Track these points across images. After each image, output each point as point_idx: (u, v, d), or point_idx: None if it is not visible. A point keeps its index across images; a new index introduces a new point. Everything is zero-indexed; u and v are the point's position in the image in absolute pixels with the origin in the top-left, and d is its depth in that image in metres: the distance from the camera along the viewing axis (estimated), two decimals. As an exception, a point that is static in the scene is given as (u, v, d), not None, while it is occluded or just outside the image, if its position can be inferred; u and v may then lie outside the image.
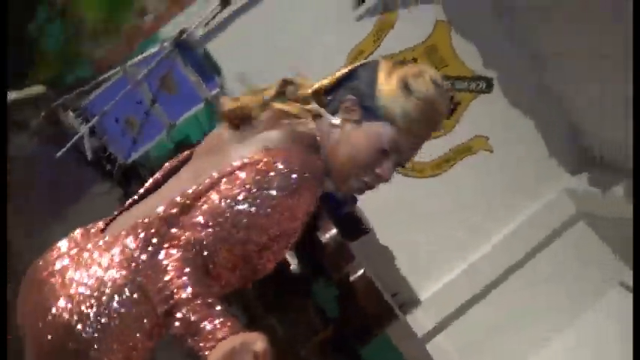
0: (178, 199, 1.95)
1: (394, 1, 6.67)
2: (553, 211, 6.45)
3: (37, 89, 5.58)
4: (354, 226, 6.08)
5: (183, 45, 5.42)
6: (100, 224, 2.16)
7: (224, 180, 1.92)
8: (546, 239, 6.39)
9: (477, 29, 6.56)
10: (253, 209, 1.88)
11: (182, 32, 5.41)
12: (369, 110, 2.12)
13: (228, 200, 1.87)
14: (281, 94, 2.16)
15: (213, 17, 5.49)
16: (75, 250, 2.06)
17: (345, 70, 2.19)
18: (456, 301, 6.33)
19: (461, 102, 6.71)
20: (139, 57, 5.63)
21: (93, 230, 2.15)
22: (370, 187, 2.20)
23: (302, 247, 5.54)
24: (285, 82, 2.19)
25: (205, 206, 1.86)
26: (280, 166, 1.90)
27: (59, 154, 5.23)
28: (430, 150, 6.67)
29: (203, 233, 1.84)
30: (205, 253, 1.82)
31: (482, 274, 6.35)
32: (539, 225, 6.44)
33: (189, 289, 1.70)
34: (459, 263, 6.48)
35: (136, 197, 2.22)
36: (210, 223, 1.84)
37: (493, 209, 6.56)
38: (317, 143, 2.06)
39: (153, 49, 5.55)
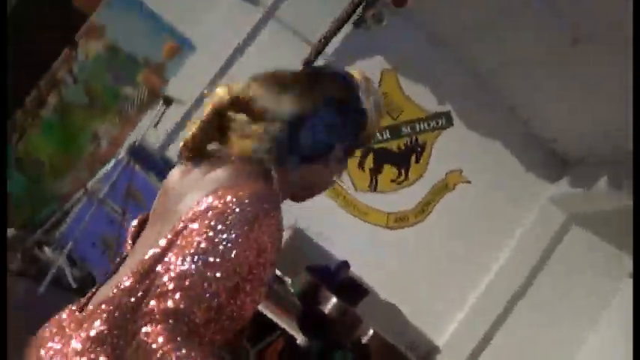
0: (138, 268, 1.88)
1: (335, 64, 6.71)
2: (544, 223, 6.42)
3: (9, 232, 5.56)
4: (354, 290, 5.99)
5: (138, 153, 5.43)
6: (82, 300, 2.08)
7: (180, 237, 1.84)
8: (545, 252, 6.33)
9: (421, 68, 6.61)
10: (218, 259, 1.78)
11: (135, 142, 5.42)
12: (350, 150, 2.10)
13: (189, 257, 1.77)
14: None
15: (160, 117, 5.50)
16: (56, 330, 1.99)
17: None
18: (475, 337, 6.22)
19: (426, 143, 6.73)
20: (98, 175, 5.62)
21: (74, 307, 2.07)
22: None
23: (309, 324, 5.47)
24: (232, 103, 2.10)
25: (171, 272, 1.78)
26: (232, 205, 1.82)
27: (41, 289, 5.16)
28: (409, 198, 6.68)
29: (176, 299, 1.75)
30: (185, 318, 1.74)
31: (493, 303, 6.27)
32: (534, 241, 6.40)
33: None
34: (466, 301, 6.40)
35: (113, 268, 2.15)
36: (180, 287, 1.75)
37: (485, 239, 6.52)
38: (265, 169, 1.98)
39: (109, 165, 5.56)
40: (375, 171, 6.79)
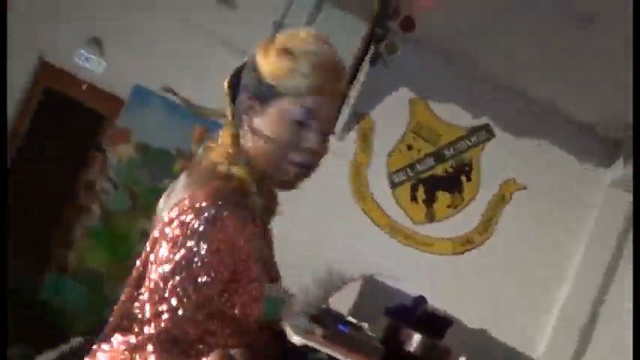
0: (126, 290, 1.86)
1: (363, 105, 6.69)
2: (612, 209, 6.24)
3: (75, 341, 5.56)
4: (436, 323, 5.85)
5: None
6: None
7: (151, 257, 1.81)
8: (621, 236, 6.14)
9: (446, 88, 6.56)
10: (188, 272, 1.74)
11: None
12: (265, 96, 1.99)
13: (161, 279, 1.74)
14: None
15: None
16: None
17: (226, 81, 2.07)
18: (571, 340, 6.04)
19: (471, 160, 6.62)
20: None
21: None
22: (307, 165, 2.00)
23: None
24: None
25: (149, 297, 1.75)
26: (190, 215, 1.77)
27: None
28: (469, 218, 6.57)
29: (163, 320, 1.71)
30: (172, 339, 1.71)
31: (581, 301, 6.09)
32: (607, 229, 6.24)
33: None
34: (551, 306, 6.22)
35: None
36: (159, 311, 1.73)
37: (555, 239, 6.37)
38: (214, 169, 1.92)
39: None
40: (429, 200, 6.69)
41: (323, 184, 6.49)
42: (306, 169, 1.97)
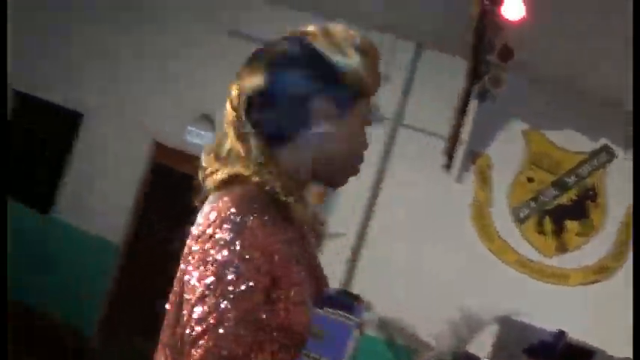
0: (168, 314, 1.82)
1: (477, 144, 6.60)
2: None
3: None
4: (579, 355, 5.63)
5: (327, 299, 5.40)
6: None
7: (185, 277, 1.76)
8: None
9: (557, 114, 6.40)
10: (228, 283, 1.68)
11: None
12: (344, 100, 1.88)
13: (200, 293, 1.68)
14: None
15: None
16: None
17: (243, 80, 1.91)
18: None
19: (595, 184, 6.41)
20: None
21: None
22: (361, 158, 1.94)
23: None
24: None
25: (189, 320, 1.69)
26: (217, 227, 1.71)
27: None
28: (601, 245, 6.35)
29: (206, 341, 1.65)
30: (223, 353, 1.64)
31: None
32: None
33: None
34: None
35: None
36: (201, 332, 1.66)
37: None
38: (239, 178, 1.83)
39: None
40: (558, 231, 6.49)
41: (446, 229, 6.50)
42: (359, 164, 1.92)
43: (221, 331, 1.61)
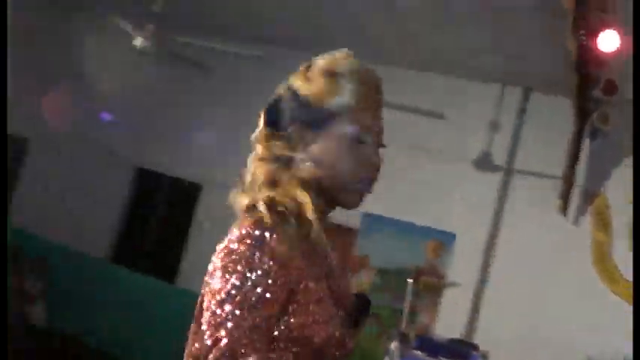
0: (192, 325, 1.91)
1: (593, 183, 6.48)
2: None
3: None
4: None
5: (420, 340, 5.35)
6: None
7: (206, 289, 1.85)
8: None
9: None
10: (247, 291, 1.76)
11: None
12: (317, 120, 1.97)
13: (219, 301, 1.77)
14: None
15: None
16: None
17: (262, 116, 2.06)
18: None
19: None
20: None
21: None
22: (371, 179, 1.98)
23: None
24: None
25: (209, 323, 1.77)
26: (237, 242, 1.79)
27: None
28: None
29: (223, 345, 1.73)
30: (238, 357, 1.71)
31: None
32: None
33: None
34: None
35: None
36: (223, 334, 1.74)
37: None
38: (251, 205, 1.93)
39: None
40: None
41: (567, 274, 6.34)
42: (370, 184, 1.98)
43: (236, 335, 1.71)
